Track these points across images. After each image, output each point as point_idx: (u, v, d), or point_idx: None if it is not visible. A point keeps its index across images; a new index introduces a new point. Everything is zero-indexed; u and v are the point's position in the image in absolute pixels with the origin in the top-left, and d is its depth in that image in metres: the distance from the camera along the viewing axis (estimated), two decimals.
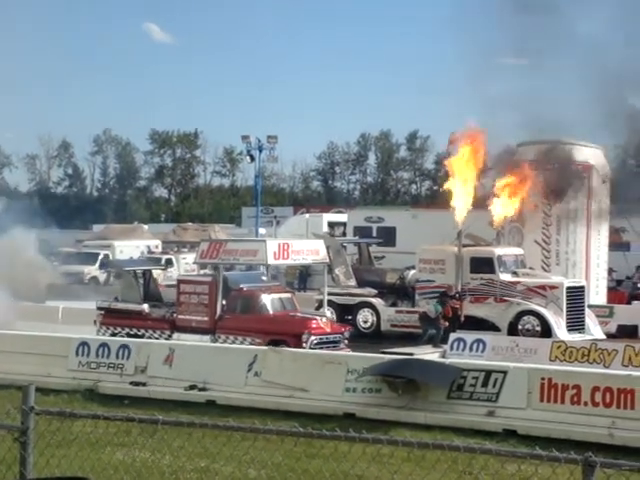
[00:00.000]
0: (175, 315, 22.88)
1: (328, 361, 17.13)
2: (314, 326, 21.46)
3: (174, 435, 10.20)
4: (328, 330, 21.70)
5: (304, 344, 20.64)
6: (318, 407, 16.20)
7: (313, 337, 21.06)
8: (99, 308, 24.23)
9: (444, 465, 8.24)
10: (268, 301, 22.13)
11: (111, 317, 23.64)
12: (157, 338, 22.07)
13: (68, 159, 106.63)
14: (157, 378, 18.18)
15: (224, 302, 22.36)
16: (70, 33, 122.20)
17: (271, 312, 21.99)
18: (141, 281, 24.53)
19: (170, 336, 22.31)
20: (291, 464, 9.29)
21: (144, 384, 18.21)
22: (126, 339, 21.00)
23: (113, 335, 22.57)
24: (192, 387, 17.64)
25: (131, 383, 18.28)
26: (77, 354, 19.08)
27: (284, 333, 21.08)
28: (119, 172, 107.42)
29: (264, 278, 23.81)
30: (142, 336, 22.26)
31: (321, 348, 20.44)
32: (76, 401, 17.29)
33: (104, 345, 19.01)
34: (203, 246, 24.25)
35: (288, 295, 23.20)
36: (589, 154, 28.63)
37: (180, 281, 23.54)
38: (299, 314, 22.48)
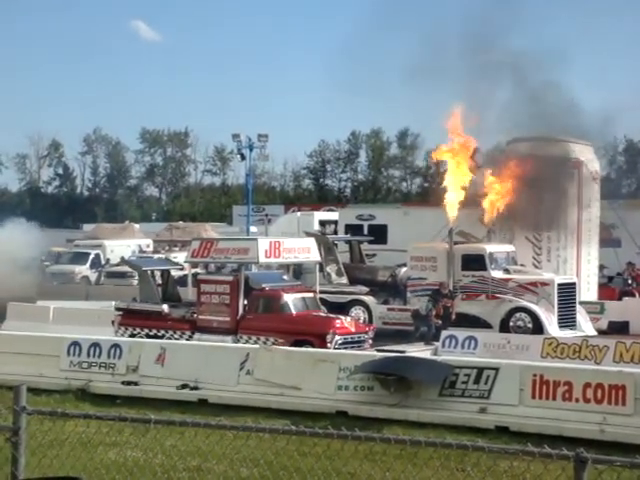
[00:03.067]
0: (195, 315, 22.66)
1: (320, 359, 17.13)
2: (338, 326, 21.31)
3: (166, 434, 10.20)
4: (353, 330, 21.58)
5: (329, 344, 20.50)
6: (310, 405, 16.21)
7: (338, 337, 20.90)
8: (117, 309, 23.94)
9: (436, 462, 8.26)
10: (291, 301, 21.94)
11: (130, 318, 23.32)
12: (177, 339, 21.83)
13: (58, 158, 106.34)
14: (149, 377, 18.16)
15: (245, 302, 22.20)
16: (59, 32, 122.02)
17: (294, 312, 21.79)
18: (159, 281, 24.31)
19: (191, 337, 22.10)
20: (283, 462, 9.28)
21: (136, 383, 18.19)
22: (117, 338, 20.97)
23: (132, 336, 22.35)
24: (184, 386, 17.62)
25: (123, 382, 18.26)
26: (69, 354, 19.04)
27: (308, 333, 20.93)
28: (109, 171, 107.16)
29: (285, 277, 23.62)
30: (162, 337, 22.03)
31: (345, 348, 20.29)
32: (68, 401, 17.27)
33: (95, 345, 18.96)
34: (194, 245, 24.18)
35: (311, 295, 22.90)
36: (579, 150, 28.68)
37: (201, 280, 23.10)
38: (322, 314, 22.38)
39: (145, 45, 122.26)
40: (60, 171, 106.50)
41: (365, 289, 27.36)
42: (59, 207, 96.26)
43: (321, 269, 26.26)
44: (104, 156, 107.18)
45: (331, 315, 22.49)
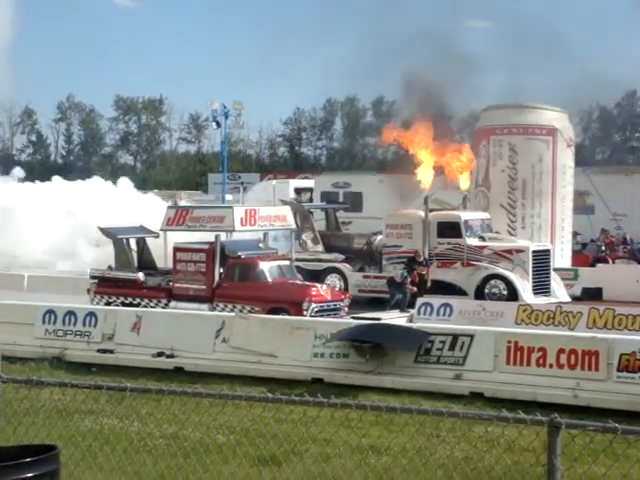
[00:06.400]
0: (171, 283, 22.60)
1: (296, 327, 17.18)
2: (314, 294, 21.33)
3: (142, 402, 10.21)
4: (328, 298, 21.61)
5: (305, 312, 20.53)
6: (286, 372, 16.28)
7: (314, 305, 20.94)
8: (92, 277, 23.78)
9: (412, 428, 8.30)
10: (267, 269, 21.89)
11: (105, 286, 23.24)
12: (153, 307, 21.82)
13: (31, 126, 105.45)
14: (125, 345, 18.16)
15: (222, 270, 22.15)
16: None
17: (270, 280, 21.76)
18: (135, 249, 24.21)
19: (167, 305, 22.09)
20: (260, 429, 9.32)
21: (112, 351, 18.19)
22: (93, 306, 20.91)
23: (107, 304, 22.27)
24: (160, 354, 17.64)
25: (98, 351, 18.25)
26: (44, 322, 18.99)
27: (284, 301, 20.93)
28: (83, 139, 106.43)
29: (261, 245, 23.56)
30: (138, 305, 21.98)
31: (321, 316, 20.34)
32: (43, 369, 17.24)
33: (71, 313, 18.92)
34: (169, 213, 24.06)
35: (287, 262, 22.90)
36: (554, 118, 28.73)
37: (177, 249, 22.90)
38: (298, 282, 22.38)
39: (119, 11, 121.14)
40: (33, 138, 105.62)
41: (341, 257, 27.40)
42: (33, 175, 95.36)
43: (297, 237, 26.27)
44: (78, 123, 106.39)
45: (307, 283, 22.49)
